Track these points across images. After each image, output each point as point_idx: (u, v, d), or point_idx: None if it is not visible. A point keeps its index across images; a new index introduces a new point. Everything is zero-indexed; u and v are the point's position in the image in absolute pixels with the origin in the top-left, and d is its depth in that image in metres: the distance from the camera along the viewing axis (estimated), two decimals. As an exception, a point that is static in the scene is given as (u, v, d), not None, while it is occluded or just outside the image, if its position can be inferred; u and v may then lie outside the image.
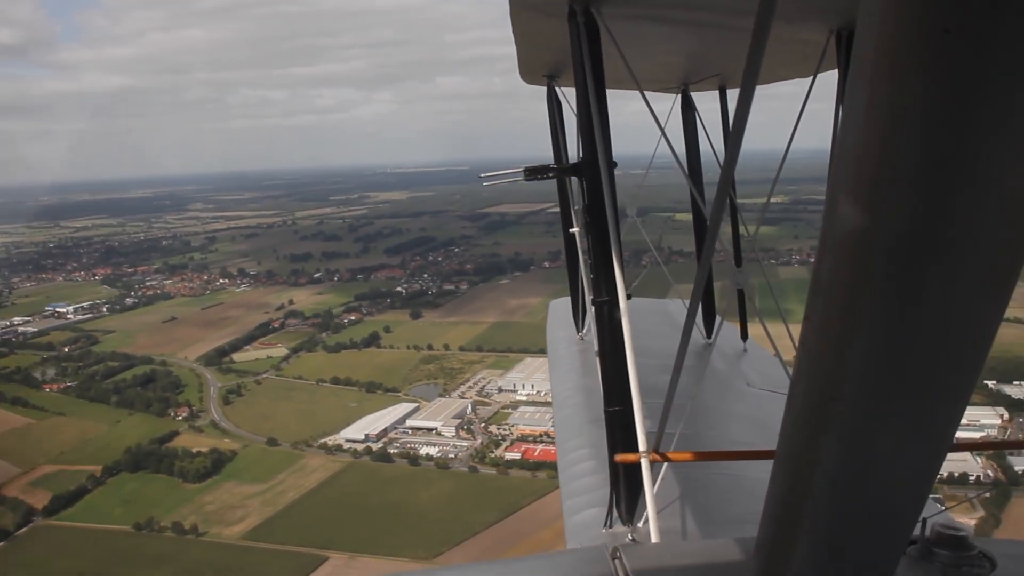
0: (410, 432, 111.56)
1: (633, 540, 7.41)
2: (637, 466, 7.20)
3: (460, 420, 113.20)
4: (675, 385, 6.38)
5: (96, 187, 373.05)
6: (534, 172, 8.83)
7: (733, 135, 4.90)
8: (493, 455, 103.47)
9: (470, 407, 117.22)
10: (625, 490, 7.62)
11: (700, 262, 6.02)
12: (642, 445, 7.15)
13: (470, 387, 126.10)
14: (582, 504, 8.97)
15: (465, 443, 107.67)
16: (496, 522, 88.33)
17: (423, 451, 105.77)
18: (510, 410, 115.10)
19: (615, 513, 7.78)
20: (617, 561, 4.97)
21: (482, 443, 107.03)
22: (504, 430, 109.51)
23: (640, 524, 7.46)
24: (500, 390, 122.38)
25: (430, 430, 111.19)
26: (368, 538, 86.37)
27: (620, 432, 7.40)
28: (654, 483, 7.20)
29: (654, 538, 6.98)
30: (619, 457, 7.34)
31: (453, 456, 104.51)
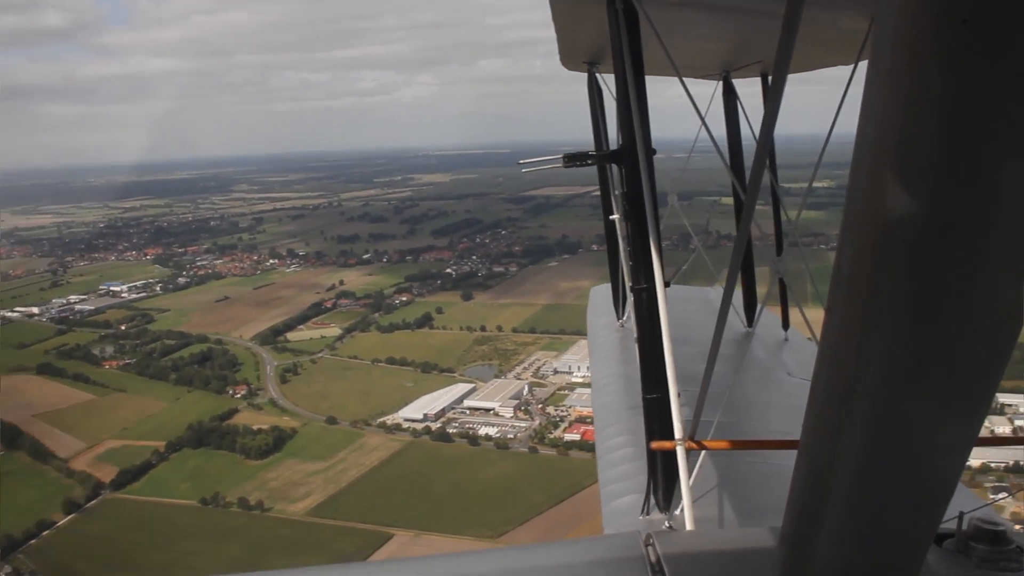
0: (468, 412, 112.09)
1: (670, 527, 7.53)
2: (674, 453, 7.26)
3: (517, 401, 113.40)
4: (710, 373, 6.47)
5: (142, 169, 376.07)
6: (573, 159, 8.85)
7: (764, 123, 4.93)
8: (552, 436, 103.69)
9: (527, 388, 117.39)
10: (662, 477, 7.66)
11: (735, 249, 6.00)
12: (678, 432, 7.22)
13: (525, 368, 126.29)
14: (619, 491, 9.05)
15: (523, 424, 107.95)
16: (558, 503, 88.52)
17: (482, 431, 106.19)
18: (567, 392, 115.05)
19: (652, 500, 7.84)
20: (650, 548, 4.93)
21: (540, 424, 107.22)
22: (562, 411, 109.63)
23: (677, 512, 7.49)
24: (555, 372, 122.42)
25: (488, 410, 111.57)
26: (432, 516, 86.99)
27: (658, 419, 7.47)
28: (691, 471, 7.26)
29: (689, 525, 7.05)
30: (655, 444, 7.40)
31: (512, 436, 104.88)
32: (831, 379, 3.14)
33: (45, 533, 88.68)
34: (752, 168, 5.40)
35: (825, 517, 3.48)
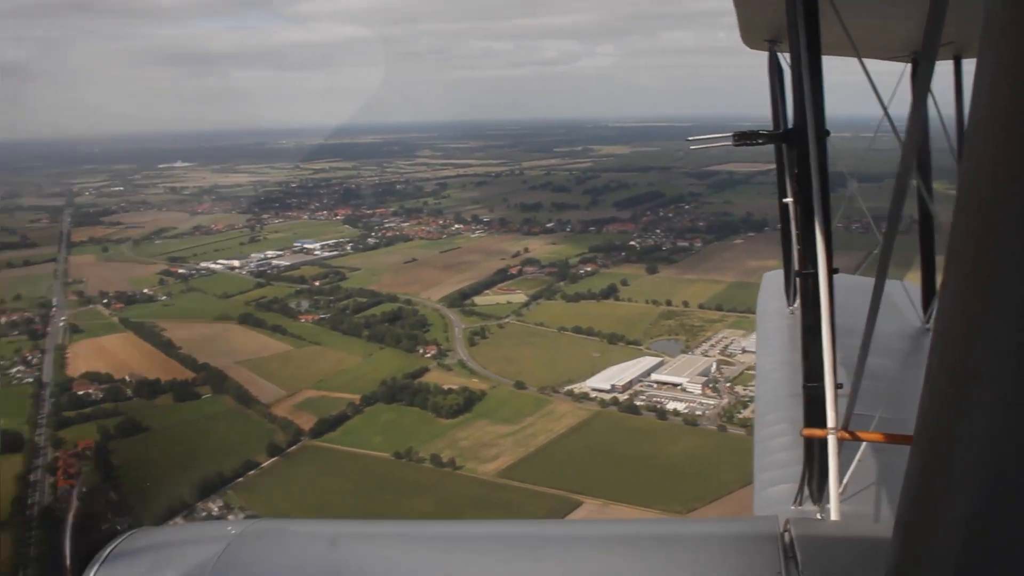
0: (655, 386, 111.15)
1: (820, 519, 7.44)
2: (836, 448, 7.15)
3: (705, 378, 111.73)
4: (863, 364, 6.44)
5: (328, 132, 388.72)
6: (743, 137, 8.46)
7: (913, 110, 4.87)
8: (741, 416, 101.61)
9: (714, 365, 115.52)
10: (818, 468, 7.43)
11: (886, 238, 5.93)
12: (831, 422, 7.07)
13: (712, 345, 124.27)
14: (774, 479, 9.15)
15: (711, 401, 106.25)
16: (748, 483, 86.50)
17: (669, 406, 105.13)
18: (755, 372, 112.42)
19: (805, 491, 7.71)
20: (786, 533, 4.86)
21: (729, 403, 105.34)
22: (751, 391, 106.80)
23: (830, 505, 7.31)
24: (743, 351, 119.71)
25: (675, 385, 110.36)
26: (620, 487, 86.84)
27: (816, 409, 7.30)
28: (848, 463, 7.19)
29: (835, 516, 6.96)
30: (806, 431, 7.29)
31: (700, 414, 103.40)
32: (946, 359, 2.74)
33: (251, 473, 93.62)
34: (903, 155, 5.40)
35: (939, 507, 3.00)
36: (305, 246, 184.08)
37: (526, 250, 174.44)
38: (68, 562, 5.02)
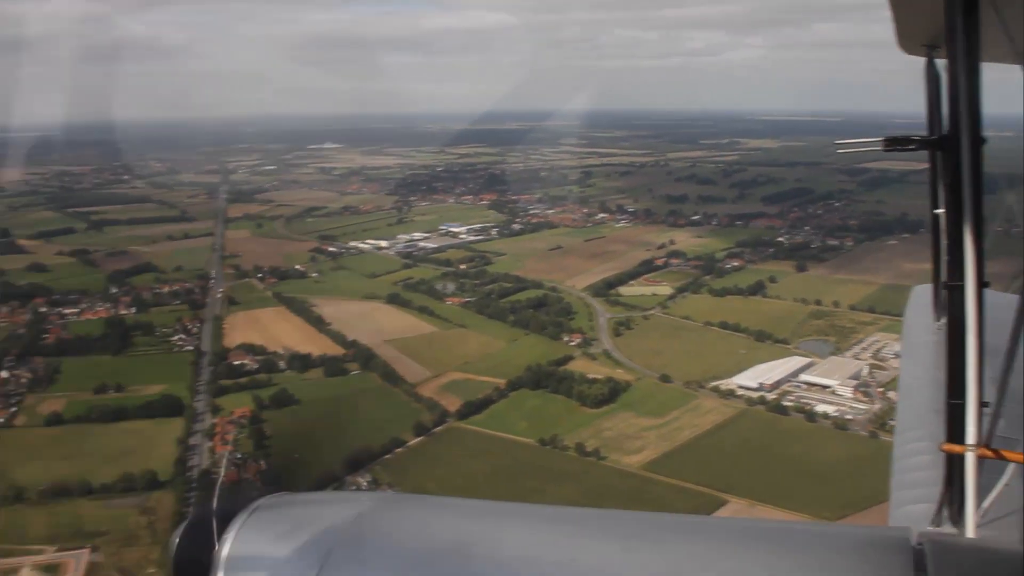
0: (803, 387, 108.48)
1: None
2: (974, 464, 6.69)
3: (856, 381, 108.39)
4: (1006, 381, 6.31)
5: (474, 118, 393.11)
6: (894, 143, 7.56)
7: None
8: (893, 422, 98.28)
9: (866, 369, 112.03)
10: (959, 489, 6.88)
11: None
12: (972, 438, 6.53)
13: (864, 348, 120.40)
14: (912, 497, 8.48)
15: (863, 406, 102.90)
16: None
17: (819, 408, 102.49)
18: (898, 386, 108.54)
19: (944, 512, 7.13)
20: (919, 546, 4.87)
21: (880, 409, 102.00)
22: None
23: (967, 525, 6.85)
24: (897, 356, 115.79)
25: (825, 387, 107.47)
26: (767, 488, 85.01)
27: (959, 425, 6.70)
28: (991, 484, 6.71)
29: (970, 535, 6.55)
30: (945, 446, 6.75)
31: (850, 418, 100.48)
32: None
33: (397, 450, 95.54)
34: None
35: None
36: (451, 229, 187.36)
37: (671, 242, 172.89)
38: (215, 520, 5.36)
